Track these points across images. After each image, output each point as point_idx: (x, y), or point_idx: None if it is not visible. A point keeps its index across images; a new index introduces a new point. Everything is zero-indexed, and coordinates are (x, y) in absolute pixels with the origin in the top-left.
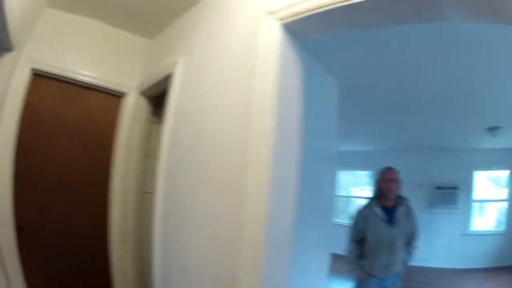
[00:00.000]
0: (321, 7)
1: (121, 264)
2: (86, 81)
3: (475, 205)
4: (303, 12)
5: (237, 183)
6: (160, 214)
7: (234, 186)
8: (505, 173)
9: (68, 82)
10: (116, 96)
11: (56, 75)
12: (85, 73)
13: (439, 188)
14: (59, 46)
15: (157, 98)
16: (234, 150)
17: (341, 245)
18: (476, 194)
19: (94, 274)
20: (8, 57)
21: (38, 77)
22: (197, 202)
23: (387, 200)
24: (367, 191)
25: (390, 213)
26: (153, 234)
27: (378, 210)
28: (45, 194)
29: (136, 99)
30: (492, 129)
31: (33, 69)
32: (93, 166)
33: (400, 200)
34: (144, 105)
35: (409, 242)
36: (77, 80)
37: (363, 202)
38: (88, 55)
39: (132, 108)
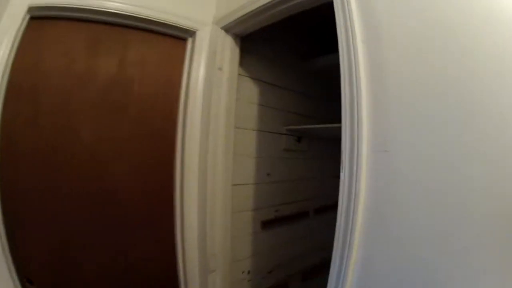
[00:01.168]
0: None
1: None
2: (123, 13)
3: None
4: None
5: None
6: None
7: None
8: None
9: (91, 21)
10: (176, 38)
11: (66, 7)
12: (120, 1)
13: None
14: None
15: (244, 38)
16: None
17: None
18: None
19: None
20: None
21: (38, 20)
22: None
23: None
24: None
25: None
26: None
27: None
28: (63, 220)
29: (216, 38)
30: None
31: (31, 7)
32: (148, 156)
33: None
34: (232, 47)
35: None
36: (108, 12)
37: None
38: None
39: (210, 53)
